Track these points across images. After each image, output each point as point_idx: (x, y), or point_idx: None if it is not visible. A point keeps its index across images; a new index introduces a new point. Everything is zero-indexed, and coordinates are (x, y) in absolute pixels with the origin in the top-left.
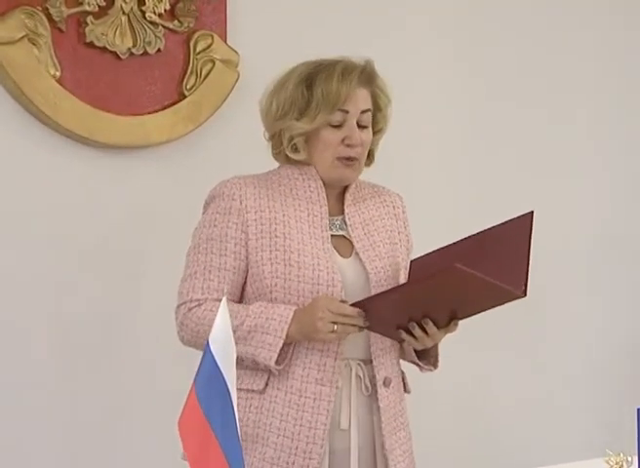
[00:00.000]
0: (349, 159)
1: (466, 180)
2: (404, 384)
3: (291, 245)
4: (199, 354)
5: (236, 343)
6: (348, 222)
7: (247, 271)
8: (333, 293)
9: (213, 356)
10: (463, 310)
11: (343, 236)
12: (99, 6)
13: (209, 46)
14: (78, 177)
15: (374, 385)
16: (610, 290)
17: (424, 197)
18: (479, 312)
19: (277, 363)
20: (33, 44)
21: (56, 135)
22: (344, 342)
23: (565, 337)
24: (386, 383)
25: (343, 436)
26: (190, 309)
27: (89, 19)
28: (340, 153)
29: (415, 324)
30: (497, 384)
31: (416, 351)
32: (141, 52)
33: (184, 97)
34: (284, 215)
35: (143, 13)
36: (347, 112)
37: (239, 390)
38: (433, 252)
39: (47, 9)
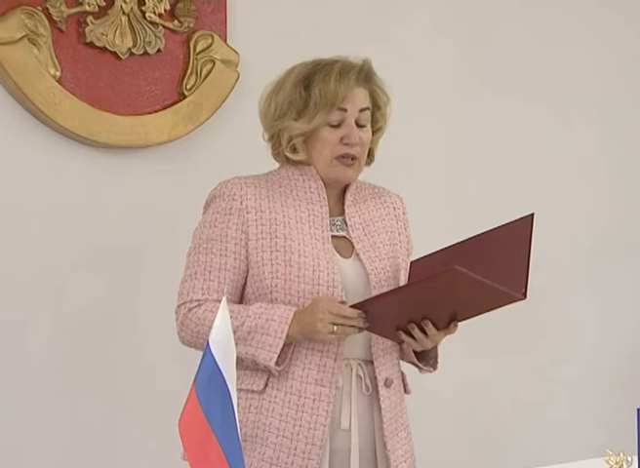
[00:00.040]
0: (349, 158)
1: (467, 181)
2: (404, 385)
3: (291, 245)
4: (199, 354)
5: (236, 344)
6: (349, 223)
7: (247, 272)
8: (333, 294)
9: (213, 356)
10: (463, 312)
11: (344, 237)
12: (99, 6)
13: (209, 46)
14: (78, 177)
15: (374, 385)
16: (609, 291)
17: (425, 198)
18: (479, 314)
19: (277, 363)
20: (33, 44)
21: (56, 135)
22: (345, 343)
23: (565, 338)
24: (388, 384)
25: (344, 436)
26: (190, 309)
27: (89, 19)
28: (338, 152)
29: (414, 325)
30: (497, 385)
31: (415, 352)
32: (141, 52)
33: (184, 97)
34: (284, 216)
35: (143, 13)
36: (346, 111)
37: (239, 390)
38: (433, 253)
39: (47, 9)
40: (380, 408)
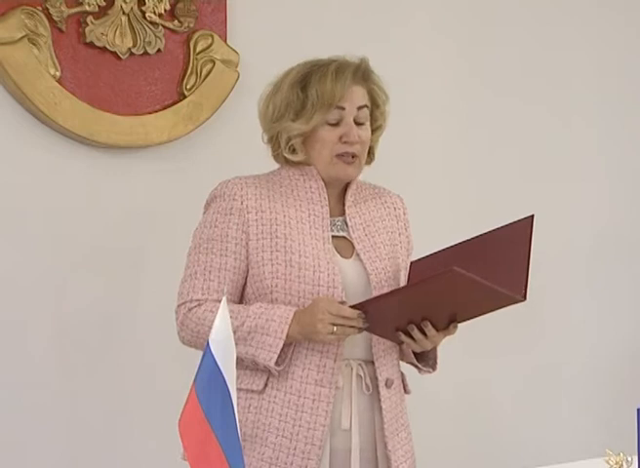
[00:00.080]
0: (349, 156)
1: (467, 181)
2: (404, 385)
3: (292, 246)
4: (199, 354)
5: (236, 344)
6: (349, 223)
7: (247, 272)
8: (333, 295)
9: (213, 356)
10: (463, 313)
11: (344, 237)
12: (99, 6)
13: (209, 46)
14: (78, 177)
15: (375, 385)
16: (609, 291)
17: (425, 198)
18: (478, 315)
19: (277, 363)
20: (33, 44)
21: (56, 135)
22: (346, 343)
23: (565, 338)
24: (388, 384)
25: (345, 436)
26: (190, 309)
27: (89, 19)
28: (338, 151)
29: (414, 326)
30: (497, 385)
31: (414, 353)
32: (142, 52)
33: (184, 97)
34: (285, 216)
35: (143, 13)
36: (344, 109)
37: (238, 390)
38: (433, 254)
39: (47, 9)
40: (380, 408)
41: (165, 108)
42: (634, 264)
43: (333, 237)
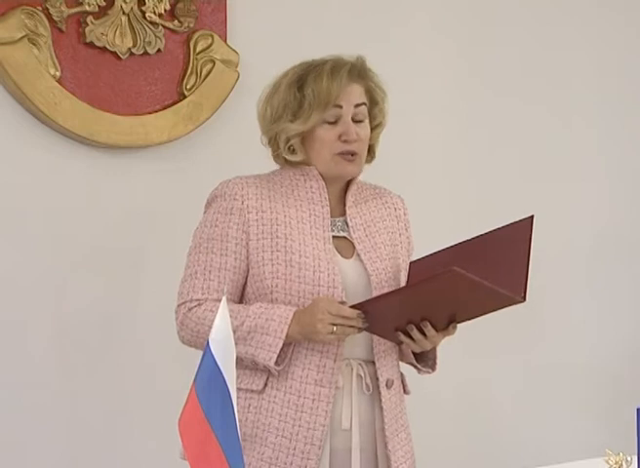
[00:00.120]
0: (349, 154)
1: (467, 181)
2: (403, 386)
3: (292, 246)
4: (199, 354)
5: (236, 343)
6: (350, 224)
7: (247, 271)
8: (333, 295)
9: (213, 356)
10: (462, 313)
11: (344, 237)
12: (99, 6)
13: (209, 46)
14: (78, 177)
15: (375, 385)
16: (609, 291)
17: (425, 198)
18: (478, 316)
19: (277, 363)
20: (33, 44)
21: (56, 135)
22: (346, 343)
23: (565, 338)
24: (389, 385)
25: (345, 436)
26: (190, 309)
27: (89, 19)
28: (338, 149)
29: (413, 326)
30: (496, 385)
31: (414, 353)
32: (142, 52)
33: (184, 97)
34: (285, 216)
35: (143, 13)
36: (341, 108)
37: (238, 390)
38: (433, 254)
39: (47, 9)
40: (380, 408)
41: (165, 108)
42: (634, 264)
43: (333, 237)
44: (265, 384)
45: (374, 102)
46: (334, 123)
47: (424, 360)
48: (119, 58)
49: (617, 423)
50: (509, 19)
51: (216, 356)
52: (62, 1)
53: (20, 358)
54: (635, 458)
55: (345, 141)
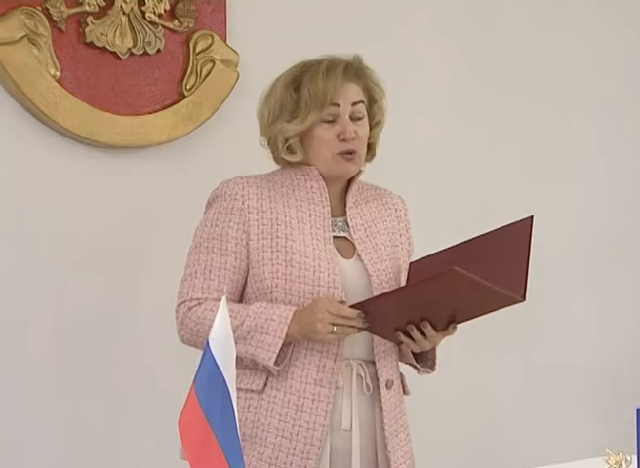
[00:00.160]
0: (348, 153)
1: (467, 181)
2: (403, 386)
3: (292, 246)
4: (199, 354)
5: (235, 343)
6: (350, 224)
7: (247, 271)
8: (334, 295)
9: (212, 356)
10: (462, 313)
11: (345, 237)
12: (99, 6)
13: (209, 46)
14: (78, 177)
15: (375, 386)
16: (609, 291)
17: (425, 198)
18: (478, 316)
19: (276, 363)
20: (33, 44)
21: (56, 135)
22: (346, 343)
23: (565, 338)
24: (389, 385)
25: (345, 436)
26: (190, 308)
27: (89, 19)
28: (337, 149)
29: (413, 326)
30: (496, 385)
31: (413, 353)
32: (141, 52)
33: (184, 97)
34: (286, 216)
35: (143, 13)
36: (338, 106)
37: (238, 390)
38: (432, 254)
39: (47, 9)
40: (380, 408)
41: (165, 108)
42: (634, 264)
43: (334, 237)
44: (265, 384)
45: (372, 100)
46: (332, 122)
47: (424, 360)
48: (119, 58)
49: (617, 423)
50: (509, 19)
51: (215, 356)
52: (62, 1)
53: (20, 358)
54: (635, 458)
55: (344, 140)
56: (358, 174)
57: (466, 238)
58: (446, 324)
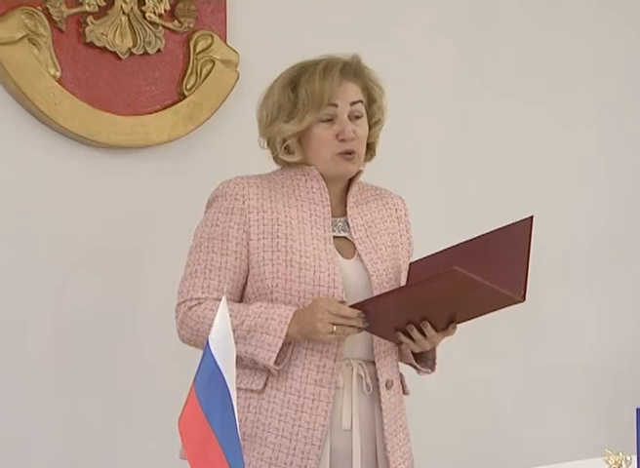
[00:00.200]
0: (347, 153)
1: (467, 181)
2: (402, 386)
3: (292, 246)
4: (199, 353)
5: (235, 343)
6: (351, 224)
7: (248, 271)
8: (334, 295)
9: (212, 355)
10: (462, 313)
11: (345, 238)
12: (99, 6)
13: (209, 46)
14: (78, 177)
15: (375, 386)
16: (609, 291)
17: (425, 198)
18: (478, 316)
19: (276, 363)
20: (33, 44)
21: (55, 134)
22: (346, 343)
23: (564, 338)
24: (388, 385)
25: (346, 436)
26: (190, 308)
27: (89, 19)
28: (337, 149)
29: (413, 326)
30: (496, 385)
31: (413, 354)
32: (141, 52)
33: (184, 97)
34: (286, 216)
35: (143, 13)
36: (336, 106)
37: (238, 390)
38: (432, 255)
39: (47, 9)
40: (380, 408)
41: (165, 108)
42: (634, 264)
43: (334, 237)
44: (265, 384)
45: (371, 100)
46: (330, 121)
47: (424, 360)
48: (119, 58)
49: (616, 423)
50: (509, 19)
51: (215, 356)
52: (62, 1)
53: (20, 358)
54: (635, 458)
55: (343, 140)
56: (358, 173)
57: (466, 238)
58: (446, 324)
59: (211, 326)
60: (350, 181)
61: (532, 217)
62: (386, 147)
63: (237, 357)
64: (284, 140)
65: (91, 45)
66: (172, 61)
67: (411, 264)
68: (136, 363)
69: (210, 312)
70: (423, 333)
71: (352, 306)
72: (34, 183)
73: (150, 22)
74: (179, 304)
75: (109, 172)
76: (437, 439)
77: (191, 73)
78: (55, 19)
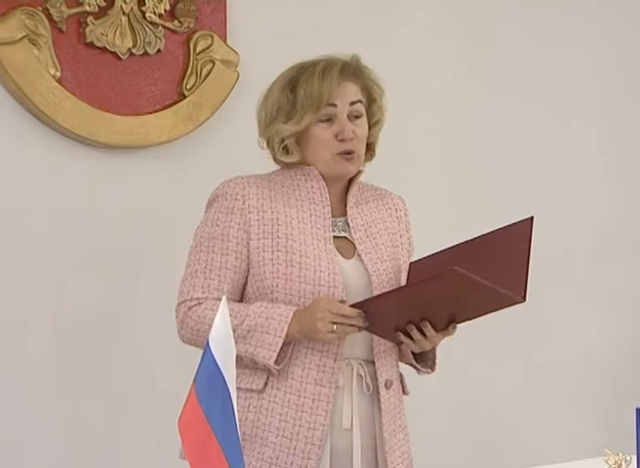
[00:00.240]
0: (347, 153)
1: (467, 181)
2: (402, 386)
3: (292, 246)
4: (199, 353)
5: (236, 342)
6: (351, 224)
7: (248, 271)
8: (334, 294)
9: (212, 356)
10: (462, 314)
11: (345, 238)
12: (99, 6)
13: (209, 46)
14: (78, 177)
15: (375, 385)
16: (609, 291)
17: (425, 198)
18: (478, 316)
19: (276, 362)
20: (33, 44)
21: (56, 135)
22: (346, 342)
23: (564, 338)
24: (388, 385)
25: (346, 435)
26: (190, 308)
27: (89, 19)
28: (336, 150)
29: (413, 326)
30: (496, 385)
31: (413, 354)
32: (142, 52)
33: (184, 97)
34: (286, 216)
35: (143, 13)
36: (335, 106)
37: (238, 389)
38: (432, 255)
39: (47, 9)
40: (380, 408)
41: (165, 108)
42: (634, 264)
43: (334, 237)
44: (265, 384)
45: (371, 100)
46: (329, 122)
47: (424, 360)
48: (119, 58)
49: (616, 423)
50: (509, 19)
51: (215, 356)
52: (63, 1)
53: (20, 358)
54: (634, 458)
55: (342, 140)
56: (358, 173)
57: (466, 238)
58: (446, 324)
59: (211, 325)
60: (350, 181)
61: (532, 218)
62: (386, 147)
63: (237, 357)
64: (282, 141)
65: (91, 45)
66: (172, 62)
67: (411, 264)
68: (136, 363)
69: (210, 312)
70: (423, 333)
71: (352, 306)
72: (34, 183)
73: (150, 23)
74: (179, 304)
75: (109, 172)
76: (437, 439)
77: (191, 73)
78: (55, 19)
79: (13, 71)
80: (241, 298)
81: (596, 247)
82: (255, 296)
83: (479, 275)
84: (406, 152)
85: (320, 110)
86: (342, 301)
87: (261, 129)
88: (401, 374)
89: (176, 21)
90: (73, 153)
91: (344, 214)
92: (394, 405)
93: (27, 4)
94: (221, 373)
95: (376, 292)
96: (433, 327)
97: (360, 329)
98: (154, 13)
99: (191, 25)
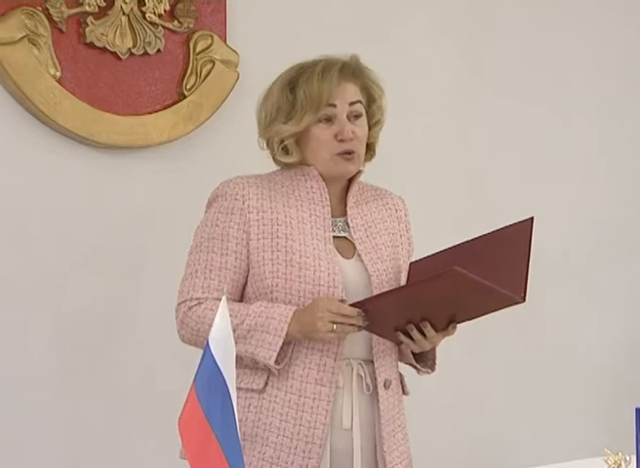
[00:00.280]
0: (347, 153)
1: (467, 181)
2: (402, 386)
3: (292, 246)
4: (199, 353)
5: (236, 342)
6: (351, 224)
7: (248, 271)
8: (334, 294)
9: (212, 355)
10: (462, 314)
11: (345, 238)
12: (99, 6)
13: (209, 46)
14: (78, 177)
15: (374, 385)
16: (609, 291)
17: (425, 198)
18: (478, 316)
19: (277, 362)
20: (33, 44)
21: (55, 135)
22: (346, 342)
23: (564, 338)
24: (387, 385)
25: (346, 435)
26: (190, 308)
27: (89, 19)
28: (336, 150)
29: (413, 326)
30: (496, 385)
31: (413, 354)
32: (141, 52)
33: (184, 97)
34: (286, 216)
35: (143, 13)
36: (335, 107)
37: (238, 389)
38: (432, 255)
39: (47, 9)
40: (379, 408)
41: (165, 108)
42: (634, 264)
43: (334, 237)
44: (266, 383)
45: (371, 100)
46: (329, 122)
47: (424, 360)
48: (119, 58)
49: (616, 423)
50: (509, 19)
51: (215, 355)
52: (63, 1)
53: (20, 358)
54: (634, 458)
55: (342, 141)
56: (358, 173)
57: (466, 238)
58: (446, 324)
59: (211, 325)
60: (350, 181)
61: (532, 218)
62: (386, 147)
63: (237, 356)
64: (282, 141)
65: (91, 45)
66: (172, 62)
67: (411, 264)
68: (136, 363)
69: (210, 312)
70: (423, 333)
71: (352, 305)
72: (34, 183)
73: (150, 23)
74: (179, 304)
75: (109, 172)
76: (437, 439)
77: (191, 73)
78: (55, 19)
79: (13, 71)
80: (241, 298)
81: (596, 247)
82: (255, 296)
83: (479, 275)
84: (406, 152)
85: (320, 110)
86: (342, 301)
87: (261, 129)
88: (401, 374)
89: (175, 22)
90: (73, 153)
91: (344, 214)
92: (393, 404)
93: (27, 4)
94: (221, 373)
95: (375, 292)
96: (433, 327)
97: (360, 328)
98: (154, 13)
99: (191, 25)
